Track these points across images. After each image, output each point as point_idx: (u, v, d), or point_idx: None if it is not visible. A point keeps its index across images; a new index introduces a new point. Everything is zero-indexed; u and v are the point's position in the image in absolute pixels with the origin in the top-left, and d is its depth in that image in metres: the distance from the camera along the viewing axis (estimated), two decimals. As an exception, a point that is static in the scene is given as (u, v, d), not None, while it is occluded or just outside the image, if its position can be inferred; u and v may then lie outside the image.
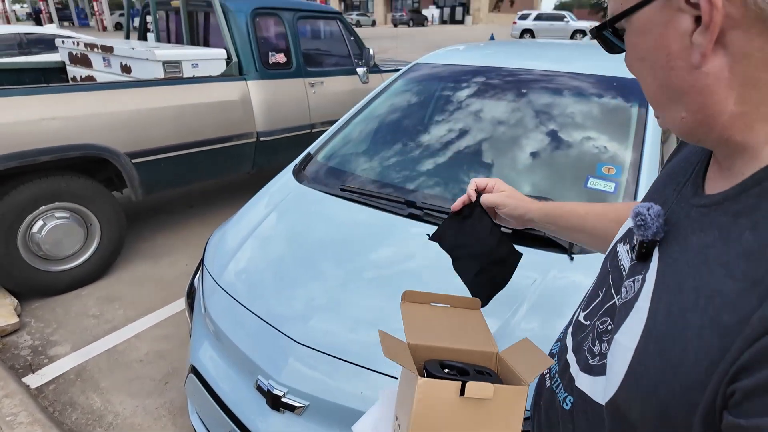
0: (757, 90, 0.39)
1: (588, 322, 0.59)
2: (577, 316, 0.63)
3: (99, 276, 2.91)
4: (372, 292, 1.33)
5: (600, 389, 0.50)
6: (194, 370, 1.42)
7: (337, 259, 1.47)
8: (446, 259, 1.42)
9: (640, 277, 0.48)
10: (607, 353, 0.50)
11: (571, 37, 21.39)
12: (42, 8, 27.63)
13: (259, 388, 1.20)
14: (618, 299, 0.52)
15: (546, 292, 1.26)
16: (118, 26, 29.63)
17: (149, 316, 2.60)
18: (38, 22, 25.71)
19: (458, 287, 1.32)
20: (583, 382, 0.54)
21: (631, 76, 0.49)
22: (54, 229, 2.64)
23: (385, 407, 0.62)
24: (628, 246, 0.55)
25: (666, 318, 0.43)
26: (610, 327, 0.52)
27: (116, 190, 3.08)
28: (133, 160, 2.80)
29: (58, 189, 2.61)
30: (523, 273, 1.21)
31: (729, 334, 0.36)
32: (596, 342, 0.54)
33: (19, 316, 2.53)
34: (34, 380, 2.14)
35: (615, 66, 2.02)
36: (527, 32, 22.43)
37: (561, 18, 22.77)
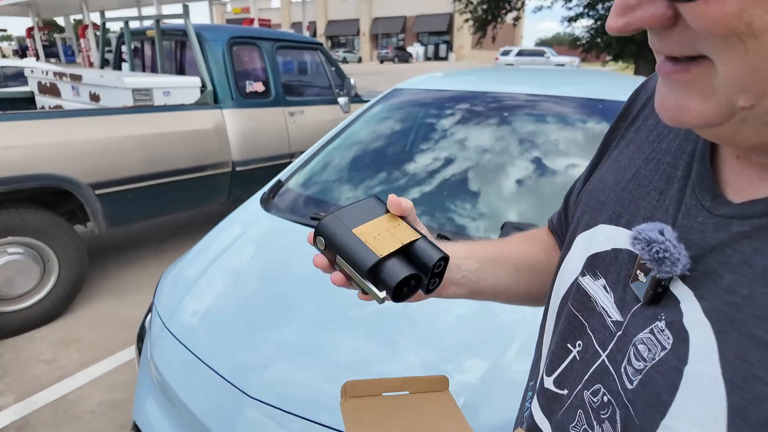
0: None
1: (564, 392, 0.43)
2: (540, 378, 0.47)
3: (56, 316, 2.68)
4: (350, 334, 1.17)
5: None
6: (136, 429, 1.22)
7: (309, 295, 1.31)
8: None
9: (663, 325, 0.33)
10: None
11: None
12: (29, 45, 27.74)
13: (207, 454, 1.02)
14: (619, 362, 0.37)
15: (536, 330, 1.12)
16: (105, 62, 29.87)
17: (106, 360, 2.37)
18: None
19: (452, 323, 1.17)
20: None
21: (617, 98, 0.33)
22: (6, 265, 2.43)
23: None
24: (603, 281, 0.41)
25: None
26: (607, 399, 0.37)
27: (80, 224, 2.89)
28: (97, 192, 2.63)
29: (11, 222, 2.42)
30: (510, 310, 1.07)
31: None
32: (594, 423, 0.38)
33: (-40, 363, 2.29)
34: (-34, 438, 1.90)
35: (600, 89, 1.96)
36: (509, 66, 23.06)
37: (542, 54, 23.48)
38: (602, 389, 0.38)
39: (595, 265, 0.42)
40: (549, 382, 0.45)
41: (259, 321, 1.25)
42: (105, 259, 3.43)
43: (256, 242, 1.60)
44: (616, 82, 2.15)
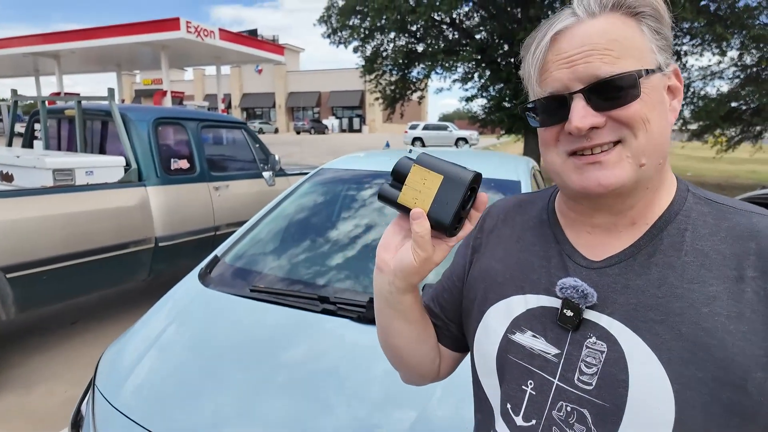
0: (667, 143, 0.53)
1: (533, 422, 0.55)
2: (513, 423, 0.57)
3: (-54, 417, 2.41)
4: (288, 395, 1.29)
5: None
6: None
7: (253, 363, 1.41)
8: (364, 351, 1.43)
9: (595, 339, 0.51)
10: None
11: (455, 144, 24.40)
12: None
13: None
14: (570, 379, 0.52)
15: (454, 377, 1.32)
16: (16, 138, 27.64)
17: (13, 461, 2.17)
18: None
19: (378, 377, 1.32)
20: None
21: (509, 177, 0.56)
22: None
23: None
24: (530, 332, 0.56)
25: (680, 341, 0.47)
26: (570, 408, 0.52)
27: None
28: (8, 275, 2.51)
29: None
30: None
31: (754, 313, 0.46)
32: (567, 430, 0.52)
33: None
34: None
35: (493, 169, 2.37)
36: (418, 140, 24.93)
37: (445, 128, 25.82)
38: (563, 403, 0.52)
39: (519, 323, 0.58)
40: (519, 420, 0.56)
41: (205, 391, 1.32)
42: (8, 346, 3.13)
43: (196, 317, 1.67)
44: (502, 163, 2.60)
